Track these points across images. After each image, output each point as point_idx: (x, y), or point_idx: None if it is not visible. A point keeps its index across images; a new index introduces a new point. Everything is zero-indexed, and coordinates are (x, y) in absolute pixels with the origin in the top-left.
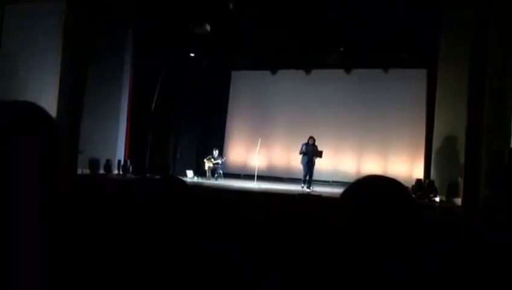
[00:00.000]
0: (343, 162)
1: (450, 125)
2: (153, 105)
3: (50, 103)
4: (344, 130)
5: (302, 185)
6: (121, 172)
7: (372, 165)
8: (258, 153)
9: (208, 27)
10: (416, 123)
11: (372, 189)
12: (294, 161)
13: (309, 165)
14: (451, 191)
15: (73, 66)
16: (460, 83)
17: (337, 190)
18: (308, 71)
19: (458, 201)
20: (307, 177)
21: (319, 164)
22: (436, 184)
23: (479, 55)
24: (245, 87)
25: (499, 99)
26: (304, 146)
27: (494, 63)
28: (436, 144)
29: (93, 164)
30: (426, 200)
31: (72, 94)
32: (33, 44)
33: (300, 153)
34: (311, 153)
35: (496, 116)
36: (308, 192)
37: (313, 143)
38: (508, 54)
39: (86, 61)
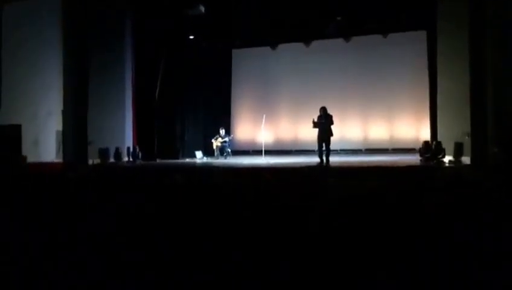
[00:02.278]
0: (350, 130)
1: (454, 84)
2: (157, 91)
3: (55, 98)
4: (348, 99)
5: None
6: (130, 159)
7: (378, 131)
8: (263, 129)
9: (202, 8)
10: (420, 86)
11: None
12: (301, 134)
13: (321, 138)
14: (459, 150)
15: (75, 59)
16: (460, 40)
17: (345, 159)
18: (307, 43)
19: (467, 160)
20: (324, 151)
21: None
22: (444, 144)
23: (478, 9)
24: (247, 65)
25: (501, 51)
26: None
27: (494, 14)
28: (441, 104)
29: (103, 153)
30: (435, 161)
31: (77, 87)
32: (34, 39)
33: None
34: (322, 125)
35: (500, 70)
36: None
37: (321, 115)
38: (508, 5)
39: (87, 53)
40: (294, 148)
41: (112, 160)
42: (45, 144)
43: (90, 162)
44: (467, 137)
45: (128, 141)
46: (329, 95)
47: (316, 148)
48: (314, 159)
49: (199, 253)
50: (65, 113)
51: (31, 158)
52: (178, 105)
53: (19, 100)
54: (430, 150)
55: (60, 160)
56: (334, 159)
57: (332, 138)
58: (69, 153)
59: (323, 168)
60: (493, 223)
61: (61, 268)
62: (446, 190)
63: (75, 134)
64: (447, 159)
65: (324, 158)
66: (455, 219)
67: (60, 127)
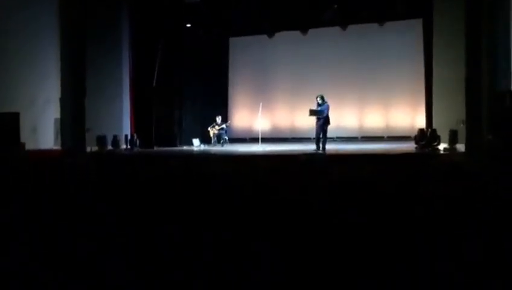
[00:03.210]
0: (346, 118)
1: (449, 72)
2: (155, 79)
3: (53, 85)
4: (344, 87)
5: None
6: (128, 146)
7: (374, 119)
8: (260, 117)
9: None
10: (416, 74)
11: None
12: (298, 121)
13: (318, 125)
14: (453, 138)
15: (72, 47)
16: (457, 28)
17: (341, 147)
18: (304, 31)
19: (461, 147)
20: (320, 139)
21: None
22: (439, 132)
23: None
24: (244, 53)
25: (496, 40)
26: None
27: (490, 3)
28: (436, 92)
29: (101, 140)
30: (430, 148)
31: (74, 75)
32: (31, 27)
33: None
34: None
35: (495, 59)
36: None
37: (318, 103)
38: None
39: (84, 40)
40: (291, 136)
41: (109, 147)
42: (43, 131)
43: (88, 149)
44: (461, 125)
45: (126, 129)
46: (326, 83)
47: (313, 135)
48: (311, 147)
49: (196, 242)
50: (63, 101)
51: (30, 145)
52: (175, 93)
53: (16, 88)
54: (425, 137)
55: (58, 147)
56: (330, 147)
57: (329, 126)
58: (67, 140)
59: (320, 156)
60: (489, 213)
61: (61, 256)
62: (441, 177)
63: (73, 121)
64: (442, 146)
65: (321, 145)
66: (450, 207)
67: (58, 115)
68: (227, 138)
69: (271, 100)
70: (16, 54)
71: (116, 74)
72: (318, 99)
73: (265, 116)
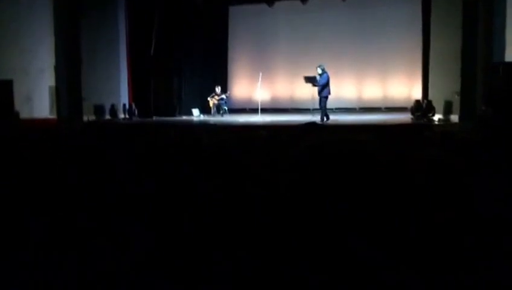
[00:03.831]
0: (344, 89)
1: (446, 44)
2: (152, 48)
3: (47, 53)
4: (343, 57)
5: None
6: (126, 116)
7: (372, 90)
8: (260, 87)
9: None
10: (413, 46)
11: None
12: (297, 92)
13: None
14: (448, 109)
15: (66, 14)
16: (454, 3)
17: (340, 118)
18: (304, 0)
19: (456, 118)
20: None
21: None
22: (434, 103)
23: None
24: (243, 23)
25: (492, 16)
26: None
27: None
28: (433, 64)
29: (99, 109)
30: (425, 119)
31: (68, 42)
32: None
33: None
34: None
35: (490, 33)
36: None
37: (318, 73)
38: None
39: (78, 7)
40: (290, 107)
41: (107, 117)
42: (38, 100)
43: (85, 118)
44: (456, 96)
45: (124, 98)
46: (325, 54)
47: (312, 106)
48: (311, 118)
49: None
50: (58, 69)
51: (24, 114)
52: (174, 62)
53: (9, 56)
54: (421, 108)
55: (54, 116)
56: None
57: (325, 96)
58: (64, 109)
59: (319, 126)
60: (482, 177)
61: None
62: (434, 144)
63: (69, 90)
64: (437, 117)
65: (324, 116)
66: (441, 172)
67: (52, 83)
68: (226, 108)
69: (271, 70)
70: (8, 21)
71: (113, 42)
72: (318, 69)
73: (265, 86)
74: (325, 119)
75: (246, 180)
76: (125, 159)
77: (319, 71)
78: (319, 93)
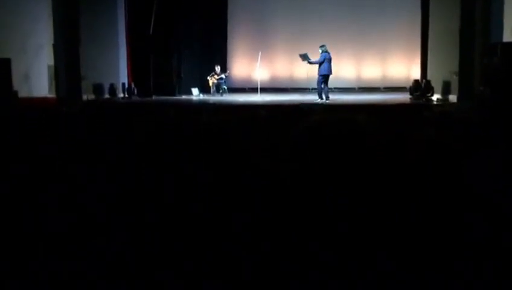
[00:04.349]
0: (343, 68)
1: (445, 25)
2: (151, 27)
3: (45, 30)
4: (342, 37)
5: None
6: (126, 95)
7: (371, 69)
8: (259, 67)
9: None
10: (413, 26)
11: None
12: (297, 71)
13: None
14: (446, 89)
15: None
16: None
17: (339, 97)
18: None
19: (454, 98)
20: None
21: None
22: (433, 83)
23: None
24: (243, 2)
25: None
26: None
27: None
28: (431, 44)
29: (98, 88)
30: (424, 99)
31: (67, 21)
32: None
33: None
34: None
35: (488, 12)
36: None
37: (326, 50)
38: None
39: None
40: (290, 86)
41: (106, 96)
42: (37, 78)
43: (84, 97)
44: (454, 76)
45: (123, 77)
46: (324, 33)
47: (311, 86)
48: (310, 97)
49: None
50: (56, 48)
51: (22, 93)
52: (174, 41)
53: (6, 33)
54: (420, 88)
55: (53, 95)
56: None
57: (322, 76)
58: (63, 88)
59: (319, 105)
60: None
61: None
62: (433, 124)
63: (67, 69)
64: (435, 97)
65: (321, 96)
66: (438, 151)
67: (51, 62)
68: (226, 88)
69: (270, 49)
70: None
71: (112, 21)
72: (319, 49)
73: (264, 65)
74: (324, 98)
75: (245, 170)
76: (123, 145)
77: (319, 51)
78: (318, 72)
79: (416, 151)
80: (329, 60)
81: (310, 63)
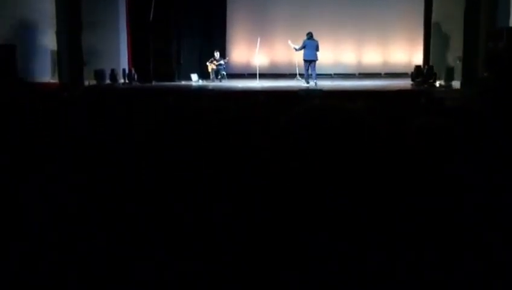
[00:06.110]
0: (344, 54)
1: (448, 9)
2: (151, 13)
3: (48, 18)
4: (343, 22)
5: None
6: (126, 81)
7: (372, 55)
8: (258, 53)
9: None
10: (415, 10)
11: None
12: (296, 57)
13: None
14: (450, 74)
15: None
16: None
17: (339, 83)
18: None
19: (457, 84)
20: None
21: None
22: (435, 69)
23: None
24: None
25: None
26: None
27: None
28: (434, 29)
29: (99, 74)
30: (426, 85)
31: (69, 8)
32: None
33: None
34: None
35: None
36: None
37: (309, 37)
38: None
39: None
40: (288, 72)
41: (107, 81)
42: (39, 64)
43: (86, 83)
44: (458, 62)
45: (124, 63)
46: (325, 18)
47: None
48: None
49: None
50: (59, 34)
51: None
52: (173, 28)
53: (9, 20)
54: (422, 74)
55: (55, 80)
56: (327, 83)
57: (325, 62)
58: (65, 74)
59: (317, 91)
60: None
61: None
62: (429, 112)
63: (69, 55)
64: (438, 83)
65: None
66: (438, 139)
67: (54, 47)
68: (225, 74)
69: (269, 35)
70: None
71: (113, 7)
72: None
73: (263, 51)
74: (311, 82)
75: (245, 168)
76: (122, 138)
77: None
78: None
79: (406, 143)
80: (312, 46)
81: (295, 50)
